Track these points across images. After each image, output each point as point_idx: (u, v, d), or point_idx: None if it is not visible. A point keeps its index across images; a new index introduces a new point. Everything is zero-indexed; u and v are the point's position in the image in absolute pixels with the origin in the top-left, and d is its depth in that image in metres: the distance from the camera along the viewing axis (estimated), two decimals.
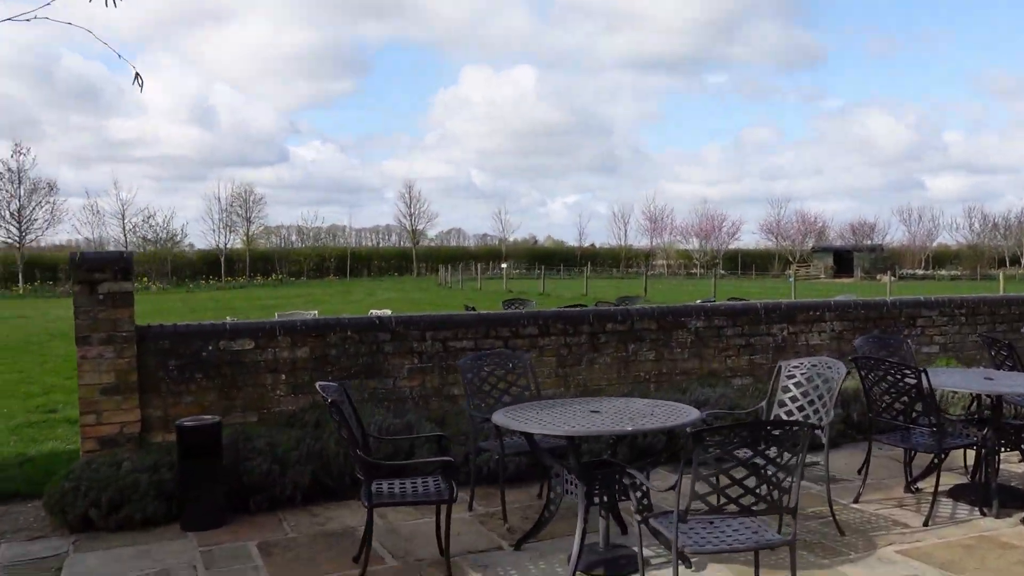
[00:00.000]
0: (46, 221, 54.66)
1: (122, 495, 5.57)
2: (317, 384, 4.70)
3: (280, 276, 62.20)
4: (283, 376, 6.88)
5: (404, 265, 72.95)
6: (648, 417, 4.69)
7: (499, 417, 4.81)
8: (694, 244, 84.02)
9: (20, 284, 51.51)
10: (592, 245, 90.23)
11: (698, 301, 16.28)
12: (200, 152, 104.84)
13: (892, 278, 70.13)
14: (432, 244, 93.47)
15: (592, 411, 4.92)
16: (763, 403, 5.85)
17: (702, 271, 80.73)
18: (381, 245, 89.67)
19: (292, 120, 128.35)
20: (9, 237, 53.67)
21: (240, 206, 62.92)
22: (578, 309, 7.97)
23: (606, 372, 7.94)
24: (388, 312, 13.31)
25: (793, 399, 5.67)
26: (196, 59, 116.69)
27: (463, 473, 5.88)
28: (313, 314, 13.46)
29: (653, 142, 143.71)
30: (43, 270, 59.00)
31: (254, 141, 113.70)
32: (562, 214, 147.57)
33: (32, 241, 54.81)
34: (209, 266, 61.64)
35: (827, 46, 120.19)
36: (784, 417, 5.61)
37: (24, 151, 54.07)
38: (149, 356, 6.48)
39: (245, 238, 63.28)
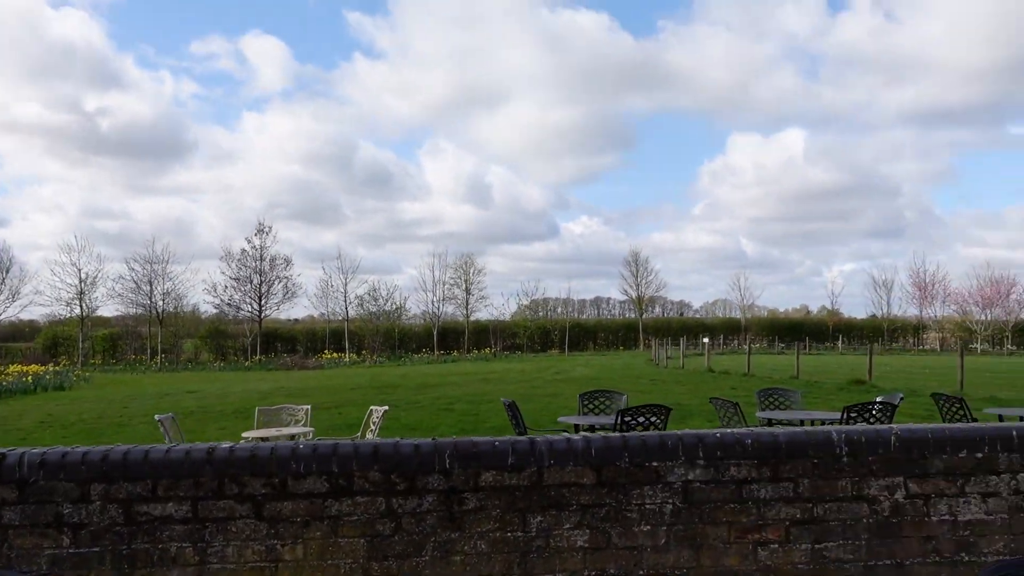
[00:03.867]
0: (283, 295, 57.22)
1: None
2: None
3: (494, 350, 60.68)
4: None
5: (632, 337, 68.91)
6: None
7: None
8: (974, 314, 72.11)
9: (252, 356, 53.93)
10: (884, 316, 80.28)
11: (878, 400, 11.25)
12: (477, 229, 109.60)
13: None
14: (696, 315, 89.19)
15: None
16: None
17: (985, 346, 68.86)
18: (646, 316, 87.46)
19: (561, 195, 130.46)
20: (251, 311, 56.74)
21: (460, 278, 62.55)
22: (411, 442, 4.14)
23: (481, 568, 3.99)
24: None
25: None
26: (472, 142, 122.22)
27: None
28: (305, 410, 10.40)
29: (945, 202, 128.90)
30: (284, 342, 62.14)
31: (526, 217, 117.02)
32: (839, 283, 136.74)
33: (266, 316, 57.52)
34: (434, 338, 61.54)
35: None
36: None
37: (266, 230, 57.33)
38: None
39: (465, 311, 62.65)
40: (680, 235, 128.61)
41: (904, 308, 77.74)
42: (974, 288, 72.36)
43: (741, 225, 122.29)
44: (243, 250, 56.92)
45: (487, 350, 59.72)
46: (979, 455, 4.30)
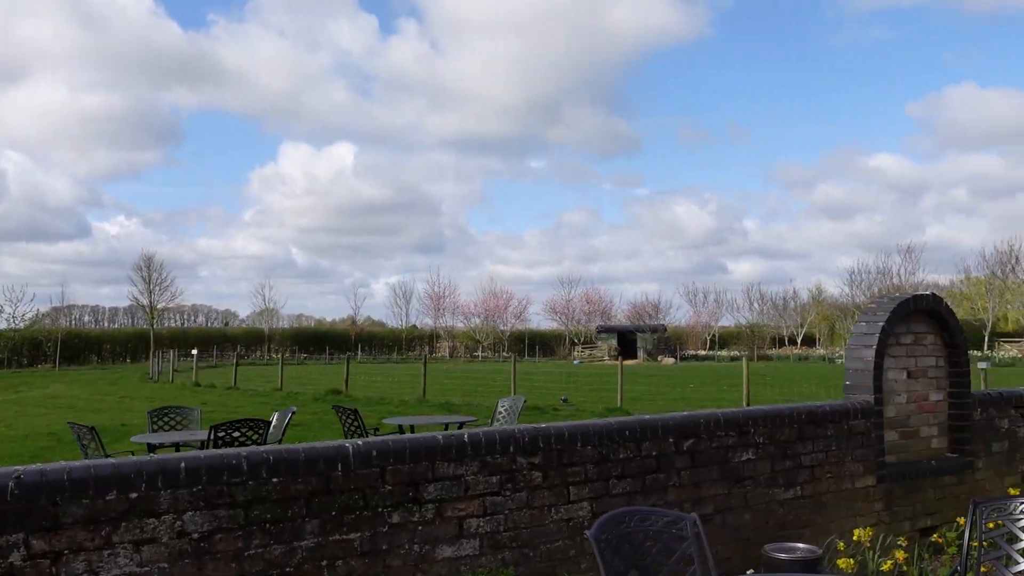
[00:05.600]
0: None
1: None
2: None
3: None
4: None
5: (144, 348, 63.62)
6: None
7: None
8: (478, 324, 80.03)
9: None
10: (413, 326, 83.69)
11: (275, 417, 10.84)
12: None
13: (673, 359, 69.07)
14: (243, 324, 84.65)
15: None
16: None
17: (487, 354, 76.65)
18: (186, 325, 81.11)
19: (94, 192, 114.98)
20: None
21: None
22: None
23: None
24: None
25: None
26: None
27: None
28: None
29: (479, 223, 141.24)
30: None
31: (49, 213, 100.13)
32: (385, 294, 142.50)
33: None
34: None
35: (641, 135, 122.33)
36: None
37: None
38: None
39: None
40: (229, 242, 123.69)
41: (421, 319, 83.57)
42: (479, 301, 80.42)
43: (292, 234, 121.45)
44: None
45: None
46: (135, 495, 3.59)
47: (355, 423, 10.29)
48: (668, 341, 76.07)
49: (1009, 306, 70.13)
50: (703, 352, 78.72)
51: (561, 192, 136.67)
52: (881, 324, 6.44)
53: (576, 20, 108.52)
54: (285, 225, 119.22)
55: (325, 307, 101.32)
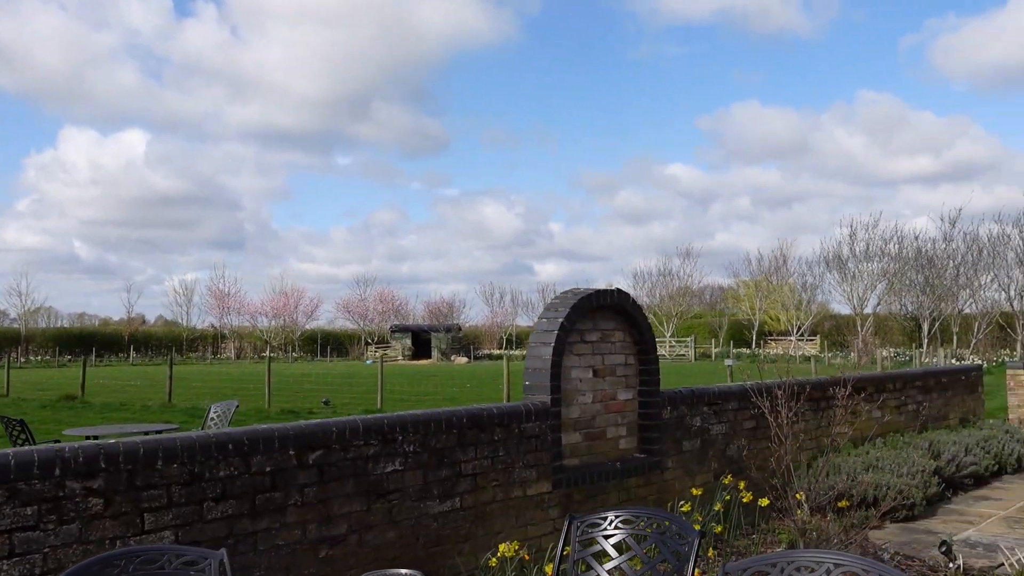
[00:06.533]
0: None
1: None
2: None
3: None
4: None
5: None
6: None
7: None
8: (265, 323, 76.76)
9: None
10: (212, 325, 78.07)
11: None
12: None
13: (467, 359, 69.40)
14: (14, 325, 75.54)
15: None
16: None
17: (276, 354, 73.59)
18: None
19: None
20: None
21: None
22: None
23: None
24: None
25: None
26: None
27: None
28: None
29: (282, 219, 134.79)
30: None
31: None
32: (180, 292, 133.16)
33: None
34: None
35: (449, 134, 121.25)
36: None
37: None
38: None
39: None
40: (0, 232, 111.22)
41: (205, 318, 79.03)
42: (267, 300, 77.10)
43: (74, 226, 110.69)
44: None
45: None
46: None
47: (22, 435, 8.91)
48: (463, 340, 76.30)
49: (779, 307, 75.85)
50: (497, 351, 79.68)
51: (369, 190, 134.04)
52: (560, 321, 6.08)
53: (384, 16, 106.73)
54: (67, 216, 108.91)
55: (112, 306, 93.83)
